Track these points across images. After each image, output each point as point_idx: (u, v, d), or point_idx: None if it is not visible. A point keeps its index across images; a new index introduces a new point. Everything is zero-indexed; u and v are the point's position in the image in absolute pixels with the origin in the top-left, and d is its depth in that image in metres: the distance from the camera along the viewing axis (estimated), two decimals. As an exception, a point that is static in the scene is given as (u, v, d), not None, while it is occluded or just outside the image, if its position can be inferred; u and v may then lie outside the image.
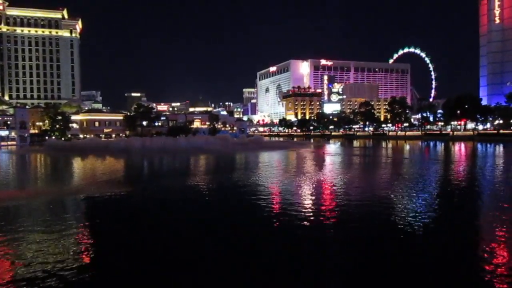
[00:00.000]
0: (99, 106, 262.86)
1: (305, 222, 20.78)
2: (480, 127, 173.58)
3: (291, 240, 18.04)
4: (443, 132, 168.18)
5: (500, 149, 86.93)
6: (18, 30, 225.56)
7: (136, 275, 14.18)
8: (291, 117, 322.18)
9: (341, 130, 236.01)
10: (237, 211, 24.69)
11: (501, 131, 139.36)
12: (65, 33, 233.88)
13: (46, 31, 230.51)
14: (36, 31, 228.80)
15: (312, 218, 21.79)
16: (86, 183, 38.80)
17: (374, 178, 39.69)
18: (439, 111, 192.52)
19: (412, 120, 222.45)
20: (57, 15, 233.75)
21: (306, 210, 23.65)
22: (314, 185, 34.45)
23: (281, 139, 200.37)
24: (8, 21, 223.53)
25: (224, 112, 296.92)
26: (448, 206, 25.86)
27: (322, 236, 18.62)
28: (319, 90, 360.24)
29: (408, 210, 23.45)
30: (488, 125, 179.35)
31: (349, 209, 23.95)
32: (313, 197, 29.11)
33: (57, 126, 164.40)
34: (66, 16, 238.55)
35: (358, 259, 15.49)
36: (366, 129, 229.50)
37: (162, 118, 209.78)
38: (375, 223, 20.66)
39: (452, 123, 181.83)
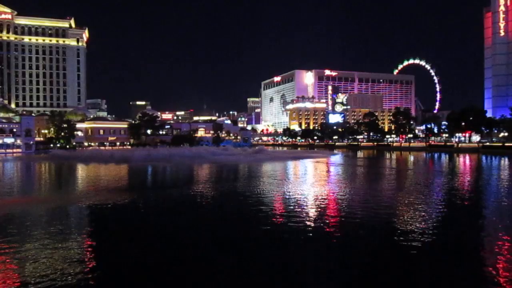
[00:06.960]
0: (104, 114, 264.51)
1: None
2: (484, 138, 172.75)
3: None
4: (448, 144, 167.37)
5: (505, 162, 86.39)
6: (26, 38, 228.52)
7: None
8: (295, 127, 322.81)
9: (345, 140, 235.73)
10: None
11: (506, 144, 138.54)
12: (72, 42, 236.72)
13: (53, 40, 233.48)
14: (43, 40, 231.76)
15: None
16: (89, 190, 38.94)
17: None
18: (444, 122, 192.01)
19: (416, 131, 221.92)
20: (64, 24, 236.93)
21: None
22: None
23: (285, 148, 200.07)
24: (16, 30, 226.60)
25: (228, 121, 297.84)
26: (455, 220, 25.70)
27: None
28: (323, 100, 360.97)
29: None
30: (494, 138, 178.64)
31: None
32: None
33: (62, 134, 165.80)
34: (73, 26, 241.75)
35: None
36: (370, 139, 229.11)
37: (167, 126, 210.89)
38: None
39: (457, 135, 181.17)
